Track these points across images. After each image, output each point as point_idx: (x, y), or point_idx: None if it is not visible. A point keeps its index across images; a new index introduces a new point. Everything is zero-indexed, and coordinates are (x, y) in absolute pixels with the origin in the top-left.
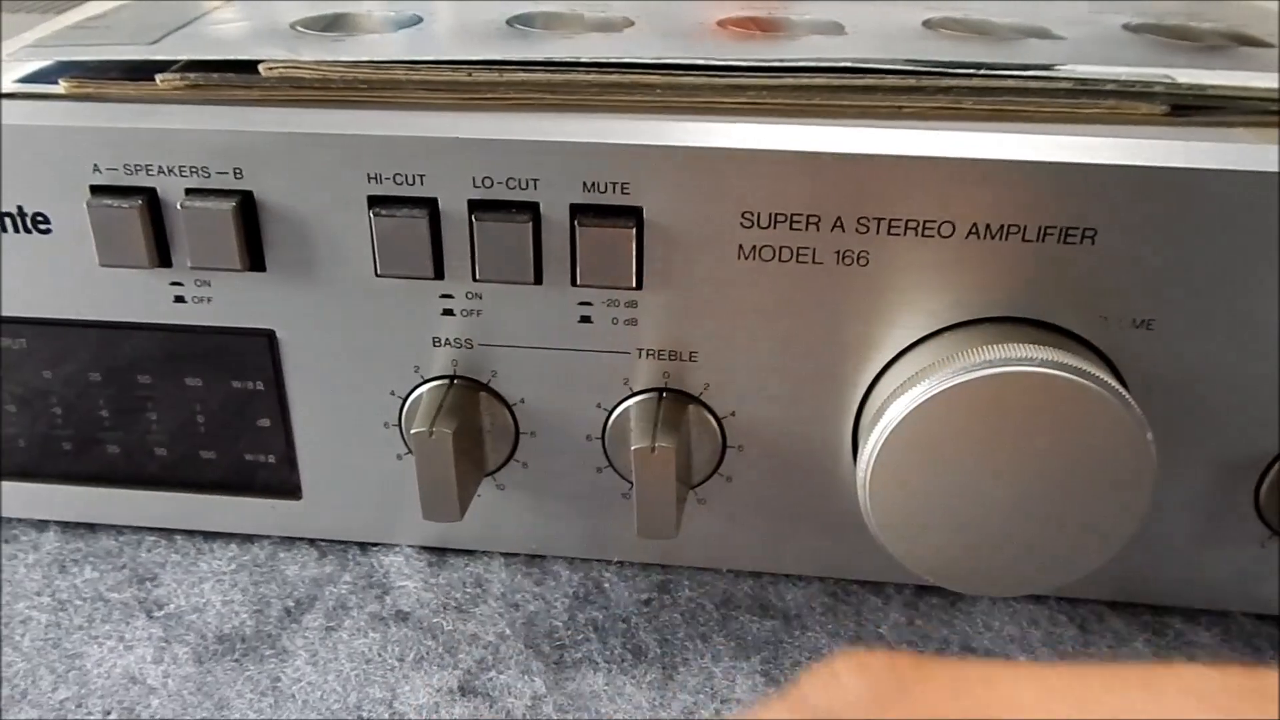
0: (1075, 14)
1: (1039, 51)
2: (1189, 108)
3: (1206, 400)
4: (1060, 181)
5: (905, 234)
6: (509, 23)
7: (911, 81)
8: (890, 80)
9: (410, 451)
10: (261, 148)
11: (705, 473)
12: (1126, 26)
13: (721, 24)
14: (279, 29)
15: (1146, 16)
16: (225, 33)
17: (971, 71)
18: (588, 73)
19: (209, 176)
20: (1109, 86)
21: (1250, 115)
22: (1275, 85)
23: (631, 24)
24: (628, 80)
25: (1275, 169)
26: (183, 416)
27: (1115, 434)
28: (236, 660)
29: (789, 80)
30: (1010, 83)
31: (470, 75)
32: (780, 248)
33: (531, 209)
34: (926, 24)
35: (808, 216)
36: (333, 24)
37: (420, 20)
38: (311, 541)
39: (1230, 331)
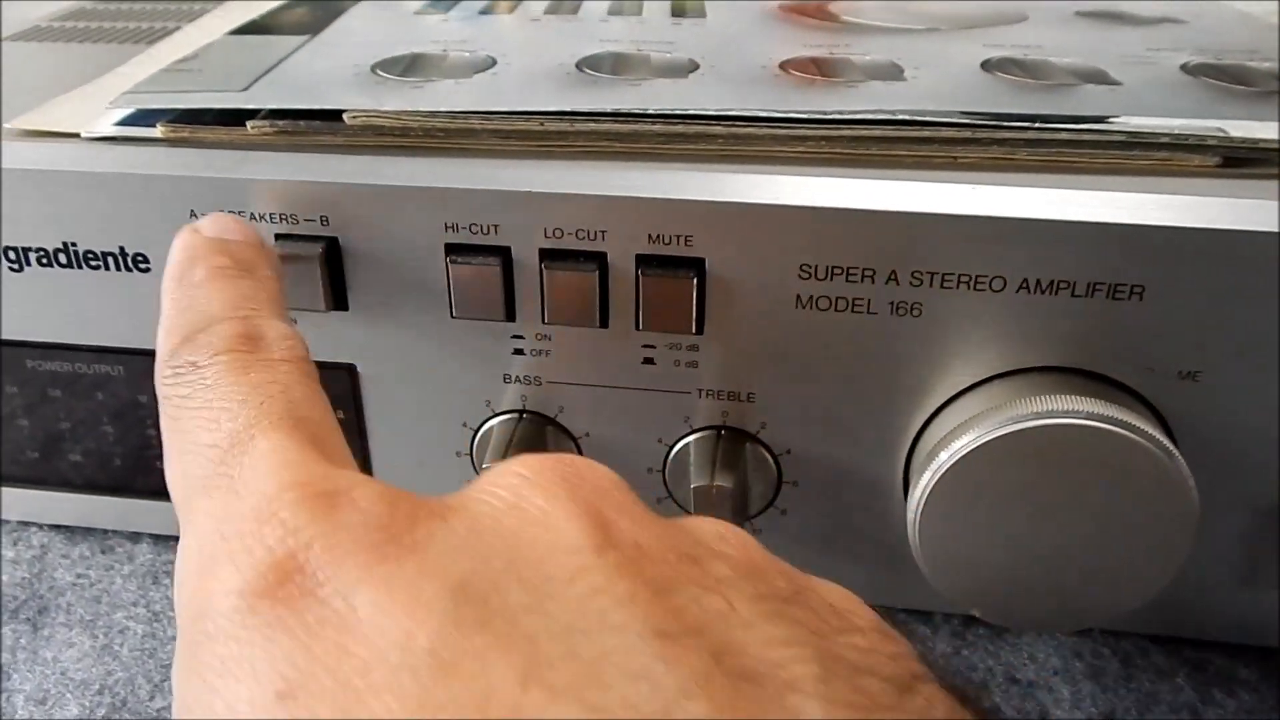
0: (1133, 51)
1: (1094, 101)
2: (1241, 160)
3: (1249, 448)
4: (1109, 241)
5: (958, 287)
6: (578, 66)
7: (967, 134)
8: (946, 132)
9: None
10: (346, 198)
11: (761, 505)
12: (1184, 68)
13: (784, 67)
14: (361, 72)
15: (1206, 55)
16: (310, 77)
17: (1026, 125)
18: (654, 123)
19: (297, 223)
20: (1162, 139)
21: None
22: None
23: (696, 67)
24: (692, 131)
25: None
26: None
27: (1158, 484)
28: None
29: (846, 131)
30: (1064, 135)
31: (542, 125)
32: (836, 299)
33: (599, 259)
34: (985, 65)
35: (863, 270)
36: (411, 66)
37: (494, 62)
38: None
39: (1274, 383)
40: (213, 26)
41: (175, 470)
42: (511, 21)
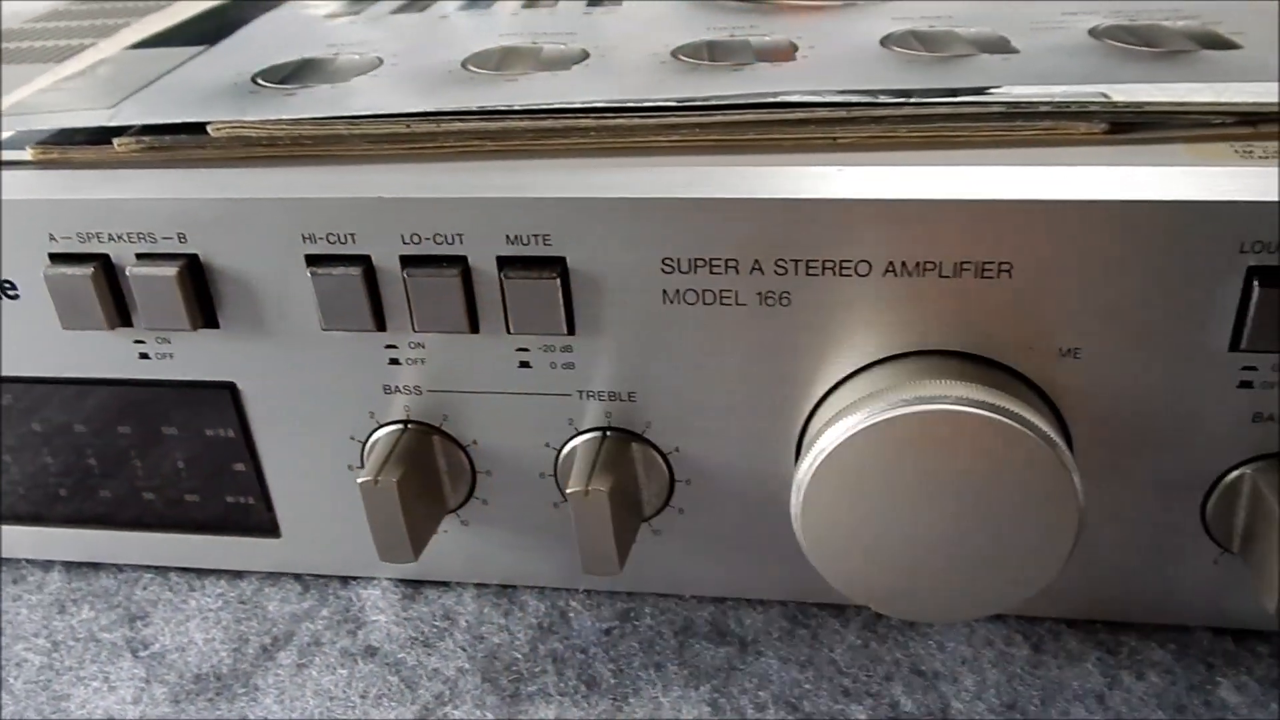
0: (1049, 17)
1: (983, 72)
2: (1130, 124)
3: (1146, 424)
4: (966, 218)
5: (823, 274)
6: (463, 65)
7: (843, 113)
8: (822, 113)
9: None
10: (202, 213)
11: (657, 505)
12: (1093, 31)
13: (675, 54)
14: (240, 82)
15: (1121, 16)
16: (187, 90)
17: (903, 100)
18: (522, 119)
19: (156, 241)
20: (1044, 108)
21: (1191, 130)
22: (1215, 98)
23: (586, 58)
24: (561, 125)
25: (1189, 198)
26: (165, 463)
27: (1036, 468)
28: (210, 700)
29: (720, 117)
30: (943, 109)
31: (409, 127)
32: (703, 291)
33: (460, 262)
34: (884, 41)
35: (726, 261)
36: (296, 72)
37: (381, 63)
38: (296, 576)
39: (1161, 358)
40: (122, 40)
41: None
42: (418, 20)
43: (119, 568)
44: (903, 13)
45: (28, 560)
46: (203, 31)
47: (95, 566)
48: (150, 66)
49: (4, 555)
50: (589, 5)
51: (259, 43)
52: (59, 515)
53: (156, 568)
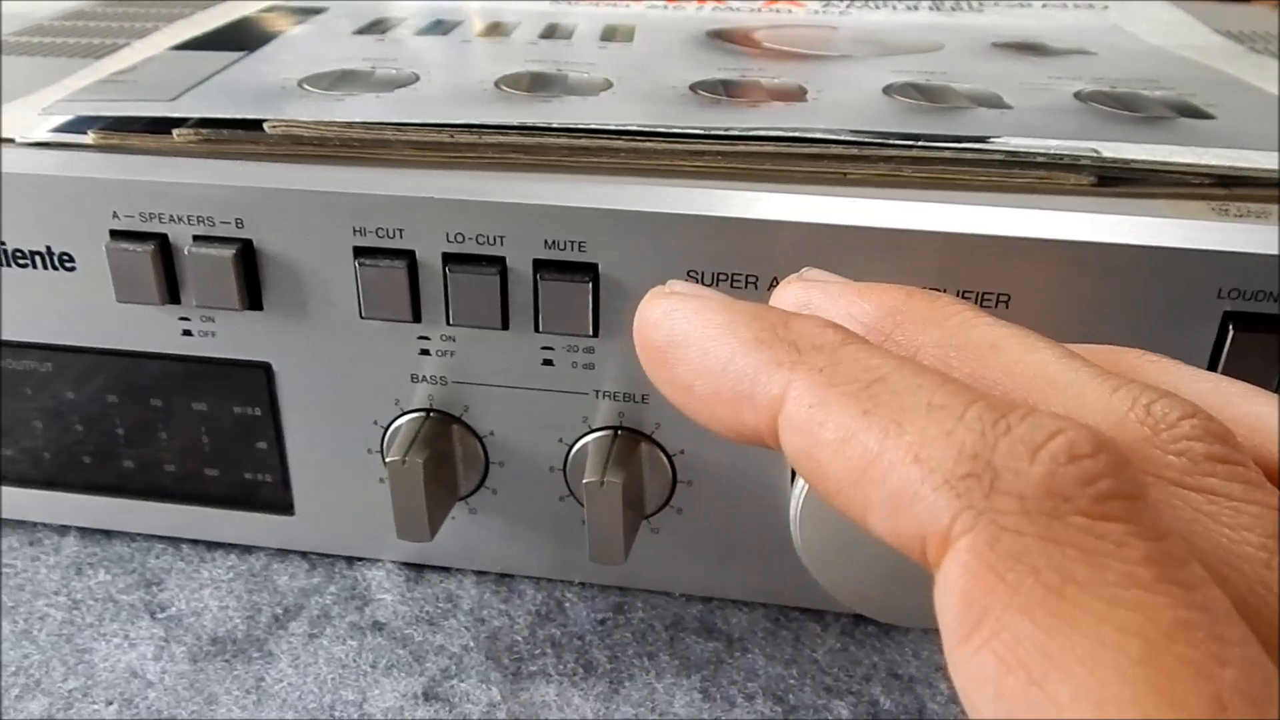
0: (1035, 79)
1: (982, 123)
2: (1116, 179)
3: None
4: (973, 251)
5: None
6: (497, 84)
7: (854, 150)
8: (835, 149)
9: None
10: (259, 202)
11: (657, 504)
12: (1078, 95)
13: (693, 88)
14: (288, 86)
15: (1102, 83)
16: (239, 89)
17: (910, 143)
18: (558, 137)
19: (213, 225)
20: (1038, 158)
21: (1172, 187)
22: (1195, 160)
23: (610, 85)
24: (594, 145)
25: (1166, 243)
26: (190, 437)
27: None
28: (226, 661)
29: (741, 147)
30: (947, 153)
31: (452, 136)
32: None
33: (499, 262)
34: (887, 90)
35: (746, 275)
36: (338, 81)
37: (417, 79)
38: (304, 554)
39: None
40: (158, 42)
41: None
42: (443, 42)
43: (132, 536)
44: (901, 65)
45: (43, 524)
46: (238, 39)
47: (109, 534)
48: (197, 67)
49: (20, 518)
50: (602, 40)
51: (297, 52)
52: (79, 481)
53: (169, 538)
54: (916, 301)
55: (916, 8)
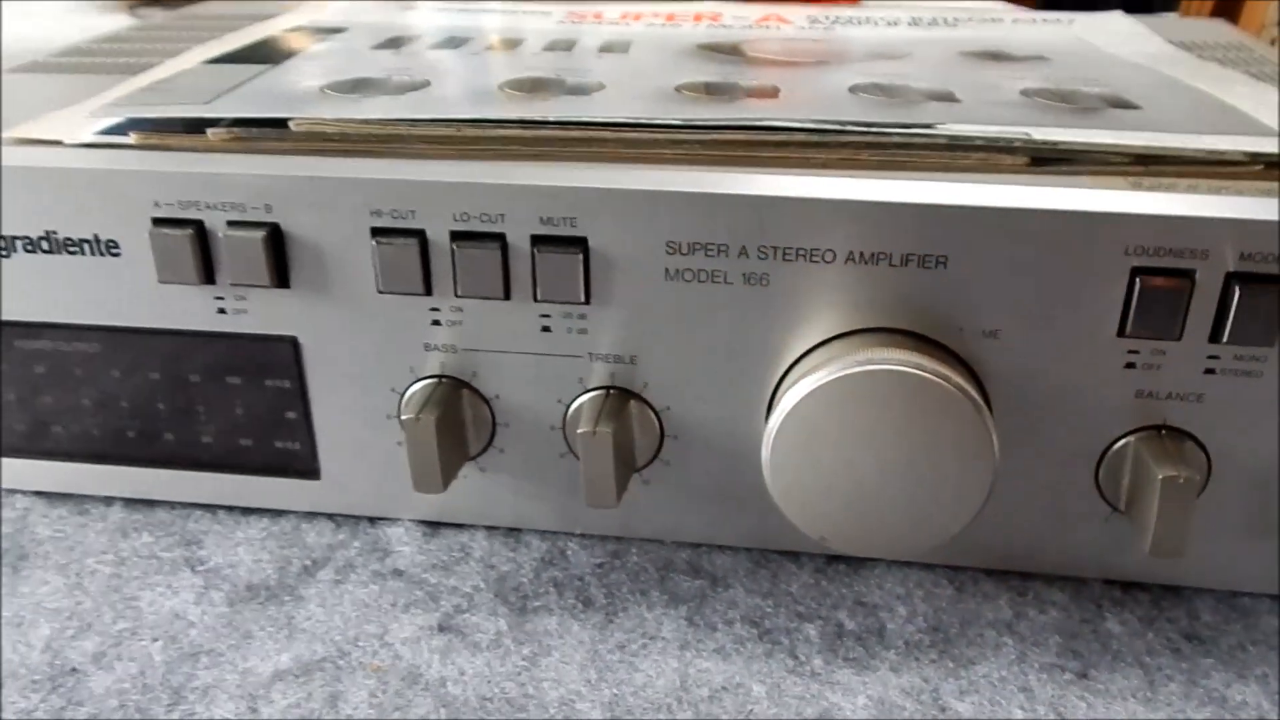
0: (989, 80)
1: (932, 113)
2: (1048, 160)
3: (1049, 396)
4: (912, 217)
5: (796, 260)
6: (501, 88)
7: (816, 138)
8: (799, 136)
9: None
10: (286, 189)
11: (647, 458)
12: (1024, 91)
13: (679, 89)
14: (311, 92)
15: (1047, 82)
16: (267, 94)
17: (865, 129)
18: (554, 129)
19: (245, 211)
20: (978, 142)
21: (1097, 166)
22: (1115, 141)
23: (603, 88)
24: (585, 135)
25: (1079, 208)
26: (226, 410)
27: (960, 420)
28: (261, 604)
29: (716, 136)
30: (897, 138)
31: (459, 130)
32: (699, 271)
33: (500, 239)
34: (852, 89)
35: (719, 246)
36: (356, 87)
37: (429, 84)
38: (330, 516)
39: (1062, 341)
40: (189, 59)
41: None
42: (454, 55)
43: (172, 505)
44: (868, 70)
45: (89, 496)
46: (265, 54)
47: (151, 503)
48: (228, 77)
49: (73, 491)
50: (600, 51)
51: (320, 64)
52: (124, 455)
53: (206, 506)
54: None
55: (896, 24)
